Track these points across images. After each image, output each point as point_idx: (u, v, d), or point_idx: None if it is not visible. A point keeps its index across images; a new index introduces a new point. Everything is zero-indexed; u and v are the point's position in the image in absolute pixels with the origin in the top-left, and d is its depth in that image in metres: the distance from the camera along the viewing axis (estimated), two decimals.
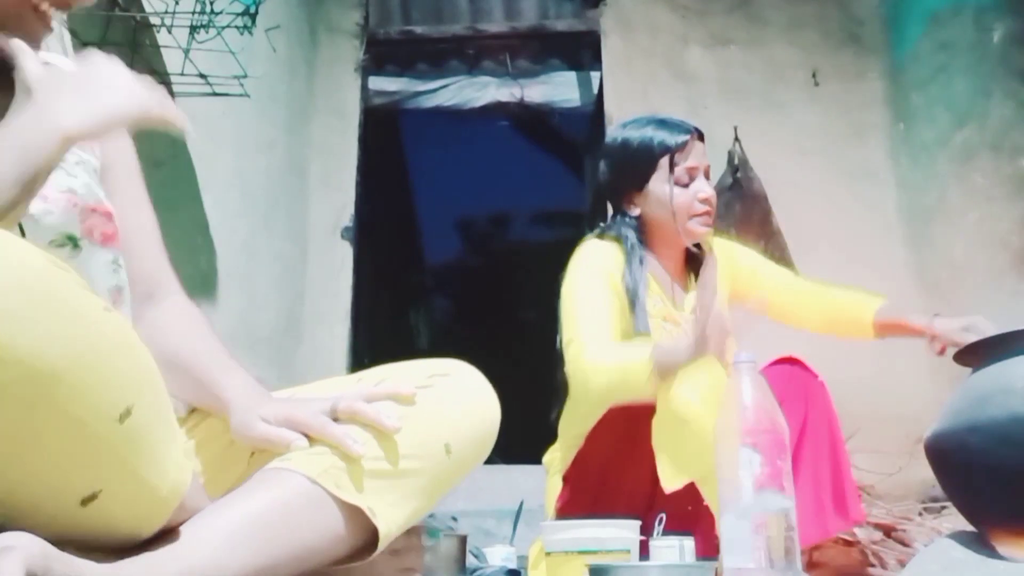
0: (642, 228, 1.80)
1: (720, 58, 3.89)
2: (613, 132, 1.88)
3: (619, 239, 1.78)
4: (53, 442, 0.64)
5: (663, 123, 1.79)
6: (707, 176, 1.79)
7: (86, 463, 0.67)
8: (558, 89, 4.36)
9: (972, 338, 1.67)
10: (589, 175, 4.41)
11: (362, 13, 4.16)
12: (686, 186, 1.75)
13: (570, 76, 4.36)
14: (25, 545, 0.62)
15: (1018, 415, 1.23)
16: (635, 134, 1.80)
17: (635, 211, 1.80)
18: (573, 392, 1.66)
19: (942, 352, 1.71)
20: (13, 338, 0.60)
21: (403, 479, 0.88)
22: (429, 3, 4.36)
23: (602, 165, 1.86)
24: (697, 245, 1.84)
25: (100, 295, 0.93)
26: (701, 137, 1.79)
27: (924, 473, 1.56)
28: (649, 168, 1.77)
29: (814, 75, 3.85)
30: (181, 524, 0.76)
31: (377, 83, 4.28)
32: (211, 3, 2.25)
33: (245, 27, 2.33)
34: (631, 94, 3.84)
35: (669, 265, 1.83)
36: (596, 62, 4.06)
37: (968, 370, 1.43)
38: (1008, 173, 2.96)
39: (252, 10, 2.31)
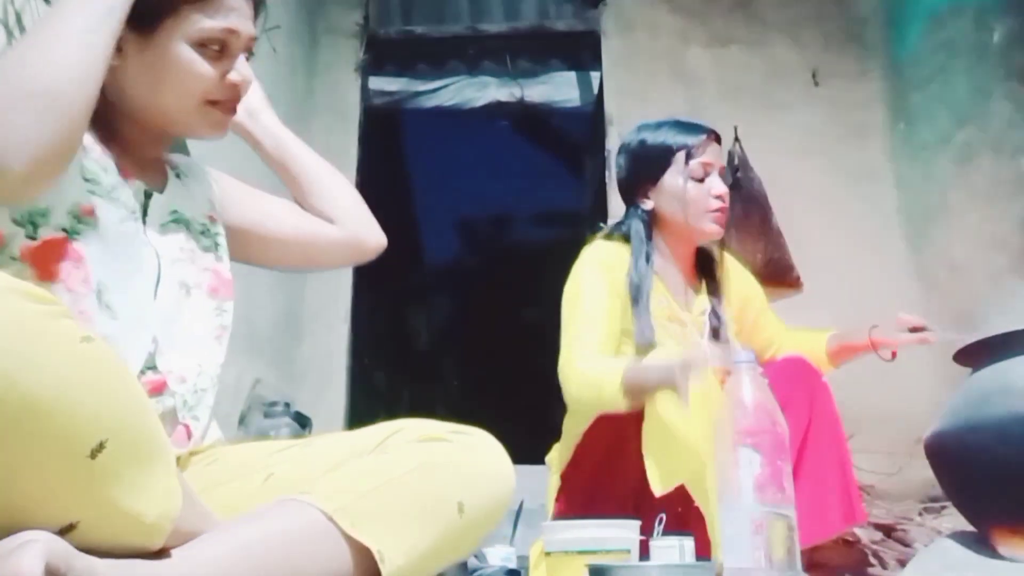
0: (653, 223, 1.81)
1: (720, 58, 3.89)
2: (631, 132, 1.89)
3: (626, 239, 1.78)
4: (24, 476, 0.64)
5: (680, 123, 1.83)
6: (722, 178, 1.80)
7: (59, 497, 0.67)
8: (558, 89, 4.35)
9: (907, 328, 1.69)
10: (589, 175, 4.40)
11: (362, 13, 4.16)
12: (700, 180, 1.76)
13: (570, 76, 4.36)
14: (47, 540, 0.64)
15: (1018, 415, 1.23)
16: (653, 132, 1.83)
17: (648, 205, 1.81)
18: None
19: (893, 356, 1.74)
20: None
21: (412, 525, 0.88)
22: (429, 3, 4.36)
23: (619, 161, 1.87)
24: (709, 255, 1.86)
25: (206, 331, 1.09)
26: (718, 139, 1.81)
27: (924, 473, 1.56)
28: (665, 162, 1.78)
29: (814, 75, 3.84)
30: (177, 547, 0.76)
31: (377, 83, 4.28)
32: None
33: None
34: (631, 94, 3.83)
35: (679, 264, 1.83)
36: (596, 62, 4.05)
37: (968, 370, 1.43)
38: (1008, 173, 2.96)
39: None
